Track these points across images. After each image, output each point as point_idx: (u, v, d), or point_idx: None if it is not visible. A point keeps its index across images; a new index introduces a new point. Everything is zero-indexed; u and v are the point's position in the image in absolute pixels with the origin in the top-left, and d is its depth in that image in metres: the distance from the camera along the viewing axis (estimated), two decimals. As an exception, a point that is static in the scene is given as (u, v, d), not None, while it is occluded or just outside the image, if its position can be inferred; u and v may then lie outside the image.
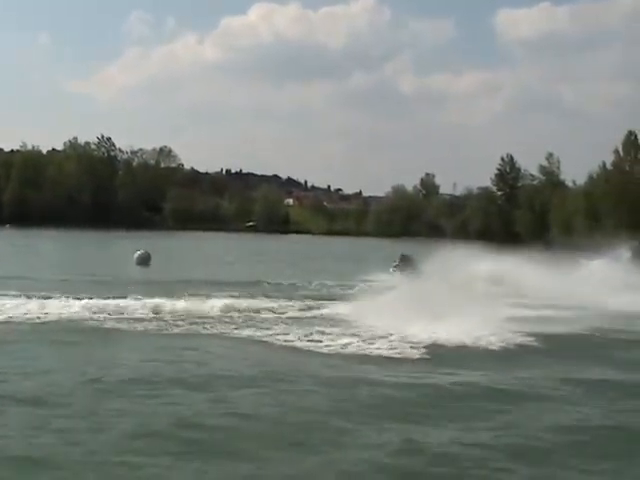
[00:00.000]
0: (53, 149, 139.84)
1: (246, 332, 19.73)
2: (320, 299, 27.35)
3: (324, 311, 24.27)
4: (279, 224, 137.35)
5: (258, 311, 23.52)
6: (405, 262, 38.92)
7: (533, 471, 9.72)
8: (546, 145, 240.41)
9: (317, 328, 20.19)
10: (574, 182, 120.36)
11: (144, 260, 43.74)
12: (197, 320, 21.15)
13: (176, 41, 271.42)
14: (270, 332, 19.66)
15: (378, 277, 35.11)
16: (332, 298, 27.83)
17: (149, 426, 10.85)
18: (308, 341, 18.49)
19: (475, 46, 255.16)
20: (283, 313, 23.56)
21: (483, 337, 18.77)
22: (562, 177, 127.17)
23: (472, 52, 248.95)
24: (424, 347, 17.72)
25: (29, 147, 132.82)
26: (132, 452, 9.72)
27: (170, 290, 26.64)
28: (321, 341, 18.50)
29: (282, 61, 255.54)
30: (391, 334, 18.90)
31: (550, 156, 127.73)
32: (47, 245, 66.41)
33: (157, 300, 23.32)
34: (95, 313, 21.33)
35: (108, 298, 23.44)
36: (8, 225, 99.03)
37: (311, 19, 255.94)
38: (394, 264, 39.52)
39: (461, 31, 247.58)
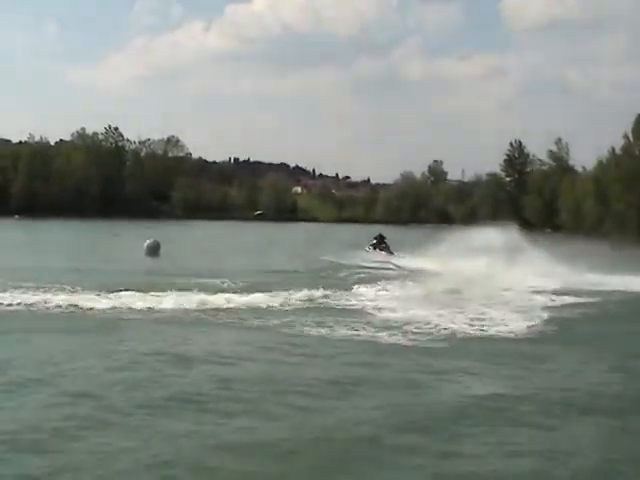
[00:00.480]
0: (61, 140, 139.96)
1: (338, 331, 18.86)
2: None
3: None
4: (287, 212, 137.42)
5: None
6: (379, 241, 45.45)
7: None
8: (555, 130, 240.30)
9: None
10: (583, 167, 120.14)
11: (153, 250, 43.65)
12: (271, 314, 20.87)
13: (182, 29, 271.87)
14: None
15: (358, 254, 42.13)
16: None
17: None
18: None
19: (482, 30, 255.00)
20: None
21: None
22: (571, 162, 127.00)
23: (479, 37, 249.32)
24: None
25: (37, 138, 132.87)
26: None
27: (183, 280, 26.69)
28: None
29: (288, 48, 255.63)
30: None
31: (559, 141, 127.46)
32: (56, 236, 66.45)
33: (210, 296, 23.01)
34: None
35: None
36: (17, 216, 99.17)
37: (317, 6, 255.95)
38: (370, 243, 45.80)
39: (468, 15, 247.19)
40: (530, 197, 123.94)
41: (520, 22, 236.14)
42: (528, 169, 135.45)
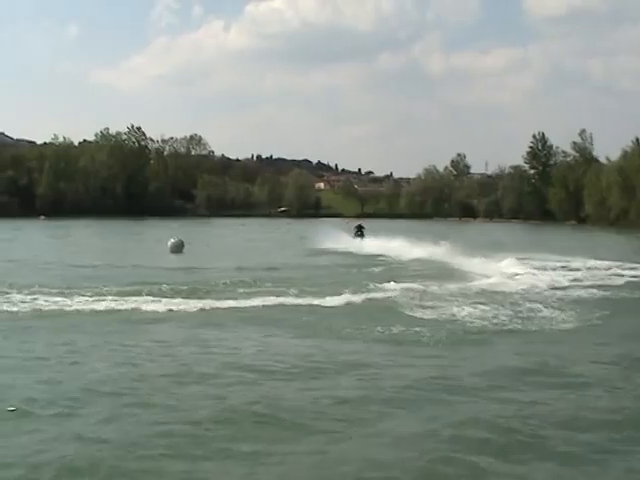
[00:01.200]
0: (85, 140, 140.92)
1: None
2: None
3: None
4: (311, 208, 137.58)
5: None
6: (359, 230, 56.76)
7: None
8: (578, 121, 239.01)
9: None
10: (608, 158, 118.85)
11: (177, 248, 43.97)
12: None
13: (202, 28, 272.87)
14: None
15: (347, 241, 50.81)
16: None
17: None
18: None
19: (502, 23, 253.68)
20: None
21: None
22: (595, 153, 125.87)
23: (500, 29, 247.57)
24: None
25: (61, 139, 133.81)
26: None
27: (206, 277, 26.89)
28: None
29: (309, 45, 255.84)
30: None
31: (583, 132, 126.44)
32: (82, 235, 67.07)
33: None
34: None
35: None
36: (42, 217, 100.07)
37: (337, 2, 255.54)
38: (353, 232, 56.47)
39: (488, 8, 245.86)
40: (554, 189, 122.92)
41: (540, 13, 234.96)
42: (552, 161, 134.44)
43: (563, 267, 34.23)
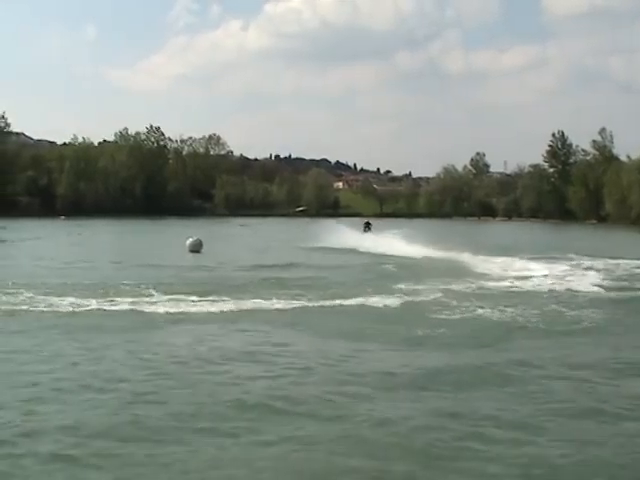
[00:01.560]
0: (104, 140, 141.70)
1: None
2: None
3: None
4: (329, 208, 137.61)
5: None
6: (367, 226, 64.54)
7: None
8: (598, 120, 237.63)
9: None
10: (628, 156, 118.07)
11: (196, 247, 44.10)
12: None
13: (221, 28, 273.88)
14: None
15: (358, 235, 55.31)
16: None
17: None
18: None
19: (522, 21, 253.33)
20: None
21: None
22: (615, 151, 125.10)
23: (518, 27, 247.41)
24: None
25: (80, 140, 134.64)
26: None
27: (227, 276, 26.91)
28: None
29: (327, 44, 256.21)
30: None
31: (603, 130, 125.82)
32: (103, 236, 67.39)
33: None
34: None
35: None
36: (63, 217, 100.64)
37: (355, 1, 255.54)
38: (363, 228, 63.56)
39: (507, 6, 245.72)
40: (574, 188, 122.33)
41: (560, 11, 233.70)
42: (572, 160, 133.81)
43: (589, 268, 33.69)
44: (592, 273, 31.11)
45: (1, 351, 14.83)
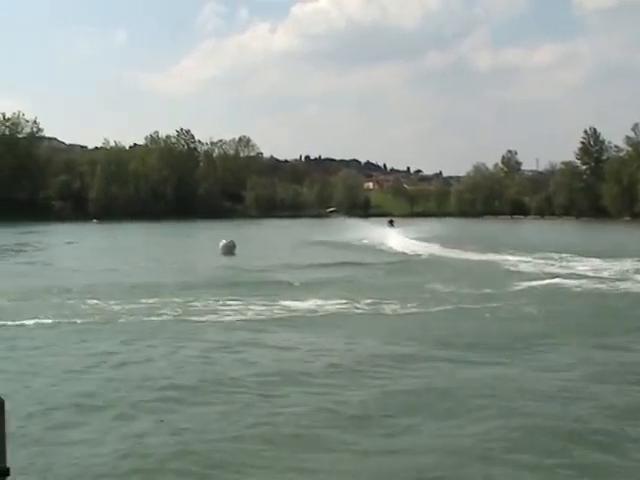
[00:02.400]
0: (135, 144, 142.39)
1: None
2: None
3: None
4: (360, 208, 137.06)
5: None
6: (391, 223, 78.97)
7: None
8: (631, 115, 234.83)
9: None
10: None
11: (229, 249, 44.21)
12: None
13: (249, 31, 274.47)
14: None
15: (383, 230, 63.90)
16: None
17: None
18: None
19: (551, 17, 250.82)
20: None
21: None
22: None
23: (548, 24, 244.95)
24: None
25: (112, 144, 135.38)
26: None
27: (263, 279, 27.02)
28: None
29: (354, 45, 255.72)
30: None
31: (636, 126, 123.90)
32: (136, 238, 67.80)
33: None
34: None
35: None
36: (95, 220, 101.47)
37: (382, 1, 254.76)
38: (387, 224, 76.98)
39: (535, 3, 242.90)
40: (607, 185, 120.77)
41: (590, 6, 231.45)
42: (604, 156, 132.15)
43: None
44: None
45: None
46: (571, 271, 30.87)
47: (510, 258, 37.67)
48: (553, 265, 34.15)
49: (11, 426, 3.74)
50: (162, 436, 10.01)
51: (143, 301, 22.04)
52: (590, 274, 29.77)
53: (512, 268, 32.65)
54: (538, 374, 13.38)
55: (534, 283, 26.77)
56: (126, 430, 10.27)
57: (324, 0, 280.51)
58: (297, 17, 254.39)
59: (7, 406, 3.49)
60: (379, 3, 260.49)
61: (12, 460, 3.52)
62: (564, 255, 38.30)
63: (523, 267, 33.01)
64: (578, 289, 25.42)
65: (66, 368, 14.07)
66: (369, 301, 22.15)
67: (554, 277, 28.32)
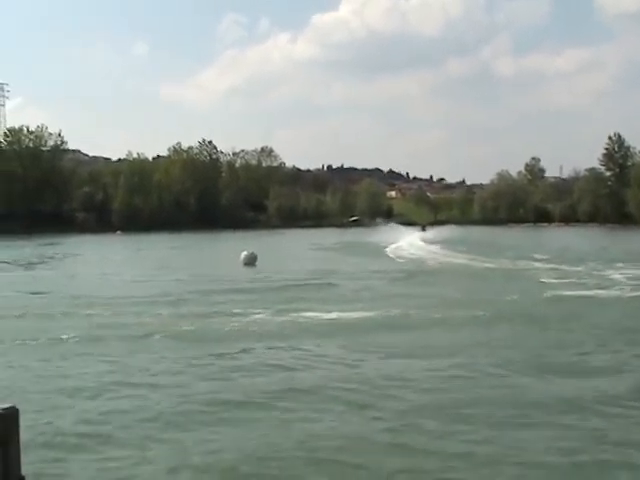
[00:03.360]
0: (158, 156, 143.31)
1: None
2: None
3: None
4: (383, 217, 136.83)
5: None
6: (423, 228, 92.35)
7: None
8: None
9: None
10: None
11: (251, 260, 44.22)
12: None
13: (270, 41, 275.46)
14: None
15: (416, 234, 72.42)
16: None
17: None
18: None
19: (573, 23, 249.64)
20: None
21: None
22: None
23: (570, 29, 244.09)
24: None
25: (135, 155, 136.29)
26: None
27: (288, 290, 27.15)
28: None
29: (375, 53, 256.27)
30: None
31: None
32: (161, 251, 67.96)
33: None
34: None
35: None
36: (119, 231, 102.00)
37: (403, 9, 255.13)
38: (420, 230, 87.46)
39: (558, 8, 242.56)
40: (632, 191, 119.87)
41: (613, 10, 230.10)
42: (629, 162, 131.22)
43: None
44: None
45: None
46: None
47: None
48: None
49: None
50: (205, 451, 10.00)
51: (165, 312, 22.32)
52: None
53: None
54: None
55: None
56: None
57: (344, 9, 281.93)
58: (317, 27, 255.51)
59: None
60: (400, 11, 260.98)
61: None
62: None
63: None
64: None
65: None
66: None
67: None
